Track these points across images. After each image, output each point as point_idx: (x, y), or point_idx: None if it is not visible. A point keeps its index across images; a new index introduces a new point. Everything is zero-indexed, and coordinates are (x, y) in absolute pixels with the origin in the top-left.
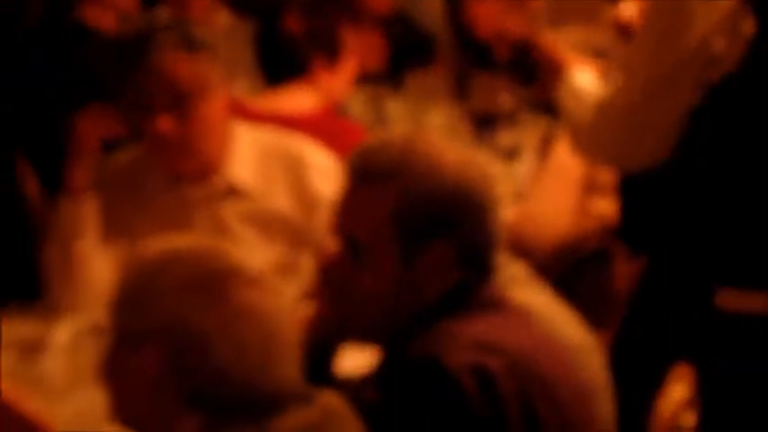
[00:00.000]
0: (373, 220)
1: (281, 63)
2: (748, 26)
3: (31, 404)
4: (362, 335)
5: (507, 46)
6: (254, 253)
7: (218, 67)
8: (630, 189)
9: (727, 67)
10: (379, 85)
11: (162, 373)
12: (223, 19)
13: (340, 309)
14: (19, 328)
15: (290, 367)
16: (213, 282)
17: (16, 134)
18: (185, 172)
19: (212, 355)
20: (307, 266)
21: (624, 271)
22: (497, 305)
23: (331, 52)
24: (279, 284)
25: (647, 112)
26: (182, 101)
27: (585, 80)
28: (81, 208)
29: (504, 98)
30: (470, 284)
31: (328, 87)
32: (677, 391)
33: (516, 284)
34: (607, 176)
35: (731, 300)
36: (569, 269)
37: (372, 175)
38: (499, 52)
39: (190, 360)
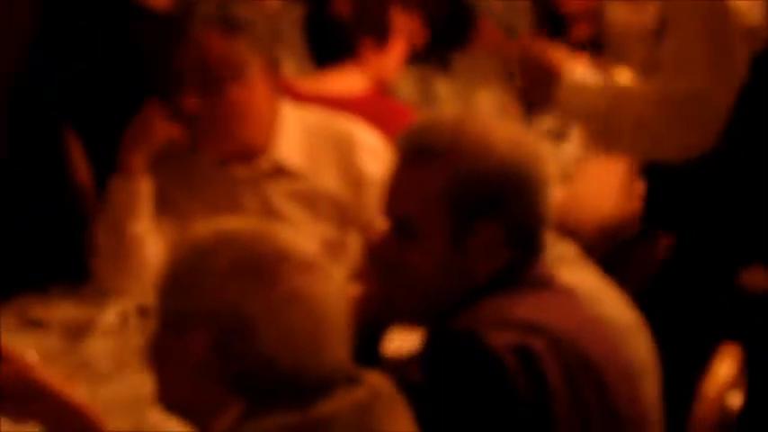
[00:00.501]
0: (424, 199)
1: (329, 45)
2: None
3: (75, 389)
4: (411, 315)
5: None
6: (301, 233)
7: (260, 49)
8: (657, 171)
9: (764, 39)
10: (427, 66)
11: (207, 358)
12: (273, 2)
13: (389, 289)
14: (65, 310)
15: (338, 351)
16: (263, 265)
17: (66, 112)
18: (226, 154)
19: (260, 340)
20: (354, 246)
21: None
22: (544, 284)
23: (380, 34)
24: (330, 266)
25: (714, 97)
26: (212, 81)
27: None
28: (136, 188)
29: None
30: (518, 264)
31: (377, 69)
32: (723, 371)
33: (564, 264)
34: None
35: (758, 278)
36: (615, 250)
37: (423, 154)
38: (578, 29)
39: (236, 345)
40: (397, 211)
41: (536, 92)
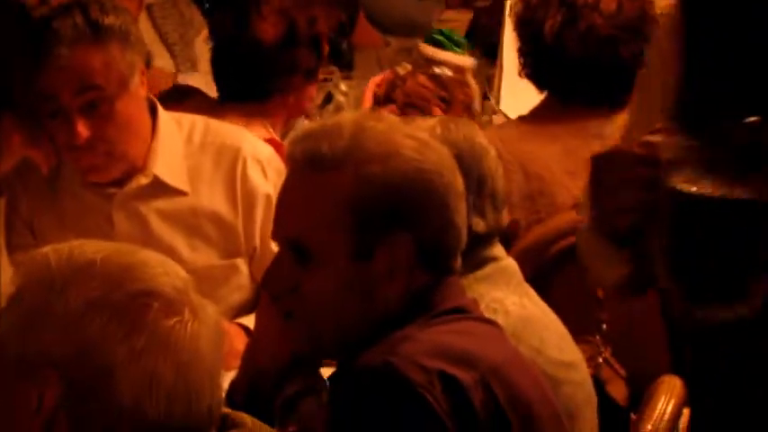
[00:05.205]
0: (328, 211)
1: (240, 79)
2: None
3: None
4: (320, 350)
5: None
6: (179, 257)
7: (138, 50)
8: None
9: None
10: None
11: (54, 412)
12: None
13: (294, 324)
14: None
15: (212, 397)
16: (123, 304)
17: None
18: (111, 178)
19: (117, 392)
20: (243, 270)
21: None
22: (465, 313)
23: (310, 71)
24: (203, 301)
25: None
26: (98, 103)
27: None
28: None
29: None
30: (434, 287)
31: (292, 108)
32: (661, 404)
33: (511, 287)
34: None
35: None
36: (546, 265)
37: (318, 164)
38: None
39: (90, 398)
40: (288, 232)
41: None
